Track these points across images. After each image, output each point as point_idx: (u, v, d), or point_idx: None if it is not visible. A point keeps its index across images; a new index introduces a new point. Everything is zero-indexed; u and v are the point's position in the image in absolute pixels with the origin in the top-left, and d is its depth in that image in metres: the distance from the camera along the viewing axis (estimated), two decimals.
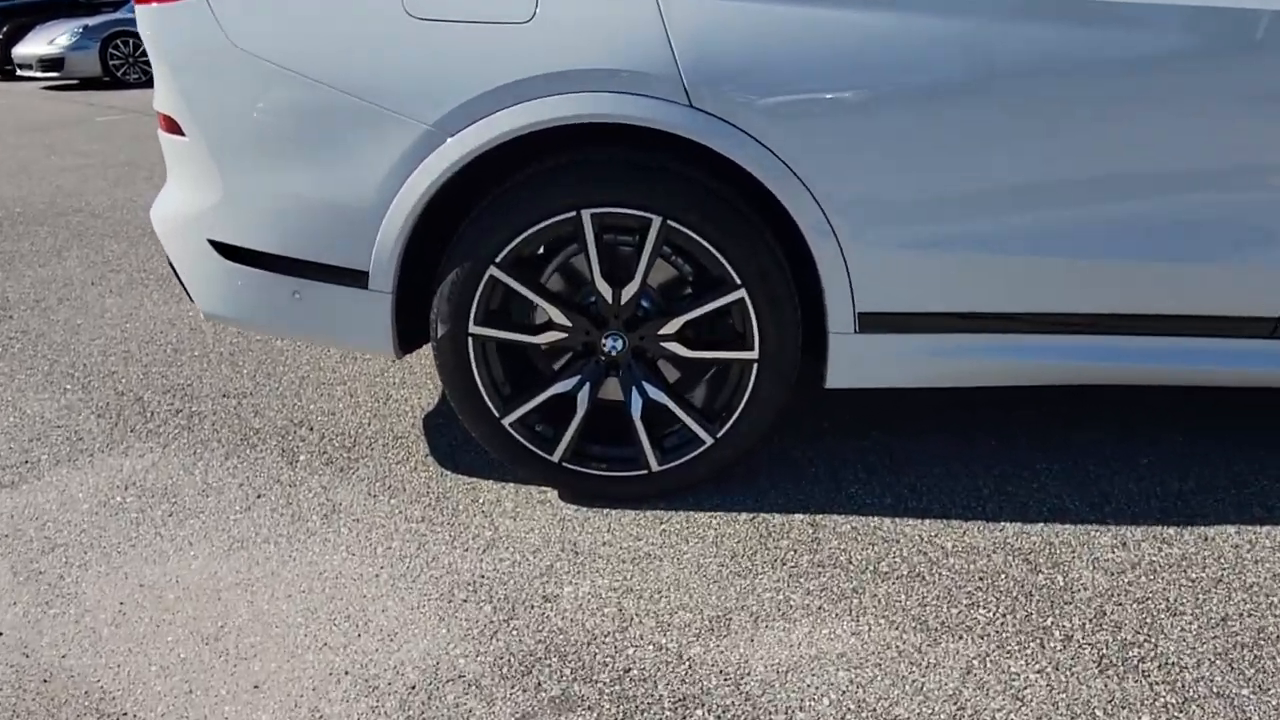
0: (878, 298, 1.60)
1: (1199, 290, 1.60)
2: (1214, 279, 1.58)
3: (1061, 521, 1.74)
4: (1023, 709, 1.29)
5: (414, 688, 1.36)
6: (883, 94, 1.45)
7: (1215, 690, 1.32)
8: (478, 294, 1.65)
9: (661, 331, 1.67)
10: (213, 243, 1.73)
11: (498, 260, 1.61)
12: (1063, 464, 1.93)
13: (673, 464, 1.76)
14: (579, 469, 1.79)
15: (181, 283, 1.85)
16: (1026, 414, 2.14)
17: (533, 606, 1.54)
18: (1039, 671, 1.37)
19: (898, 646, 1.43)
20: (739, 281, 1.60)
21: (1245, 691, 1.32)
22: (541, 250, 1.69)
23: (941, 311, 1.61)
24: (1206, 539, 1.67)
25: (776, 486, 1.87)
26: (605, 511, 1.80)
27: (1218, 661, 1.38)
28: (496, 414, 1.75)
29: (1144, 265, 1.53)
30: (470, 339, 1.69)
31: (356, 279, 1.68)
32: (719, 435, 1.73)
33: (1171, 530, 1.70)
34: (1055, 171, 1.48)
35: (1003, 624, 1.47)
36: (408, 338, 1.80)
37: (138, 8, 1.64)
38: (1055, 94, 1.43)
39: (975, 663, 1.39)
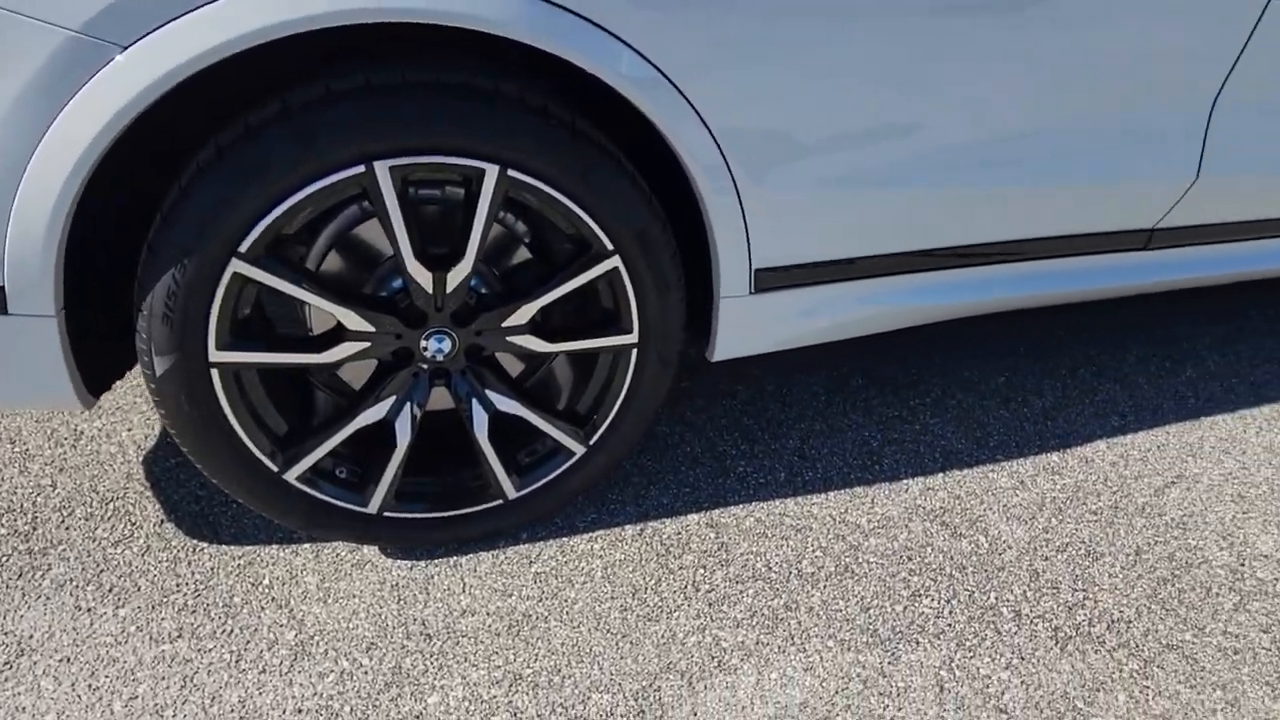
0: (779, 249, 1.27)
1: (1089, 209, 1.46)
2: (1102, 196, 1.45)
3: (957, 467, 1.60)
4: None
5: None
6: None
7: (1165, 643, 1.26)
8: (216, 302, 1.05)
9: (507, 323, 1.20)
10: None
11: (243, 249, 1.02)
12: (932, 395, 1.81)
13: (534, 486, 1.34)
14: (406, 515, 1.30)
15: None
16: (875, 339, 1.98)
17: None
18: (1008, 668, 1.21)
19: (859, 675, 1.19)
20: (611, 247, 1.17)
21: (1188, 636, 1.27)
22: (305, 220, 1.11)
23: (851, 257, 1.32)
24: (1088, 462, 1.62)
25: (655, 481, 1.54)
26: (452, 561, 1.35)
27: (1154, 607, 1.31)
28: (275, 468, 1.19)
29: (1054, 187, 1.35)
30: (215, 370, 1.09)
31: None
32: (592, 442, 1.33)
33: (1055, 458, 1.64)
34: (989, 90, 1.21)
35: (952, 614, 1.29)
36: (97, 373, 1.15)
37: None
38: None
39: (944, 675, 1.20)
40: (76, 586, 1.29)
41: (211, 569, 1.32)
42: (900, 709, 1.15)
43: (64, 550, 1.35)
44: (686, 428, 1.68)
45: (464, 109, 1.01)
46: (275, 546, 1.36)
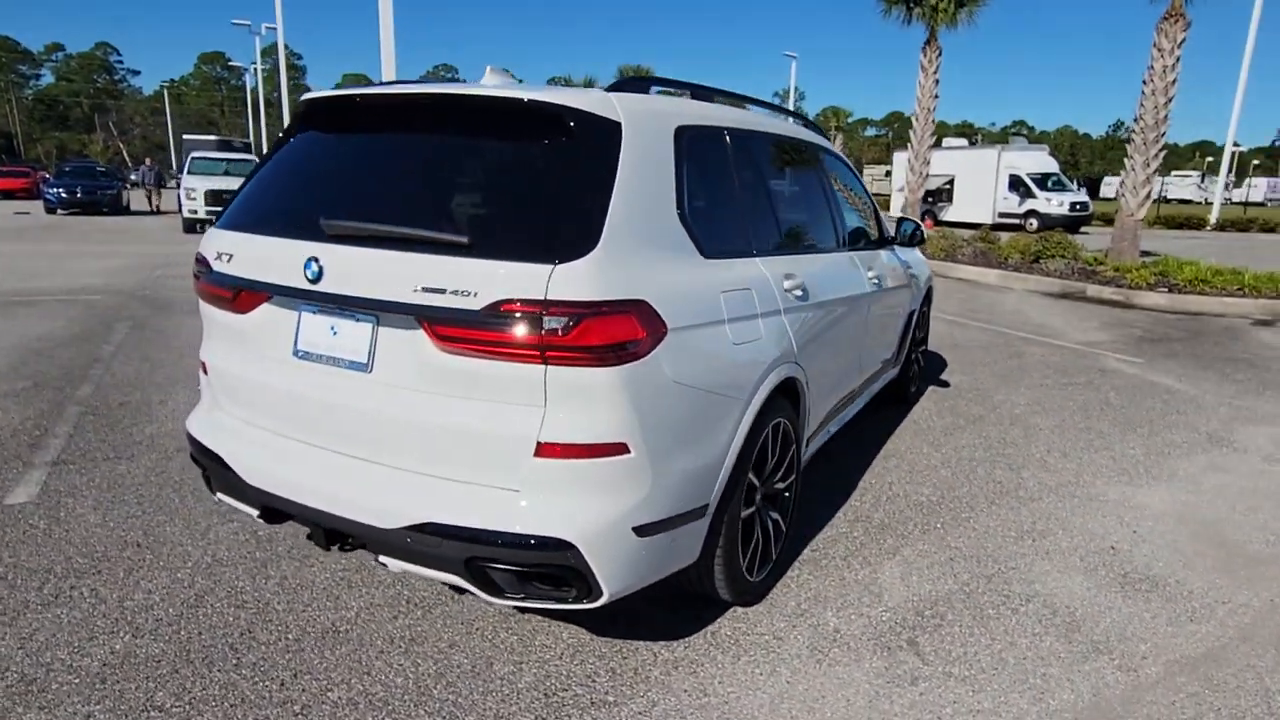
0: (813, 419, 3.45)
1: (848, 380, 4.02)
2: (846, 374, 4.03)
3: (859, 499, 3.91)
4: None
5: None
6: (828, 339, 3.34)
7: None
8: (739, 490, 2.74)
9: (777, 478, 3.10)
10: (635, 529, 2.24)
11: (751, 465, 2.76)
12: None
13: (777, 551, 3.18)
14: (756, 579, 3.01)
15: (589, 579, 2.17)
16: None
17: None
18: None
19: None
20: (795, 439, 3.19)
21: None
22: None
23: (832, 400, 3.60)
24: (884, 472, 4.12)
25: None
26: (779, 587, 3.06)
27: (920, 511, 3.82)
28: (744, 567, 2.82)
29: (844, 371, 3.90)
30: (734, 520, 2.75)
31: (702, 512, 2.52)
32: (788, 520, 3.25)
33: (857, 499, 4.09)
34: (852, 344, 3.69)
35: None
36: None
37: (611, 371, 2.06)
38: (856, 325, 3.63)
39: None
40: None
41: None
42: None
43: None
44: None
45: (781, 407, 2.97)
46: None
